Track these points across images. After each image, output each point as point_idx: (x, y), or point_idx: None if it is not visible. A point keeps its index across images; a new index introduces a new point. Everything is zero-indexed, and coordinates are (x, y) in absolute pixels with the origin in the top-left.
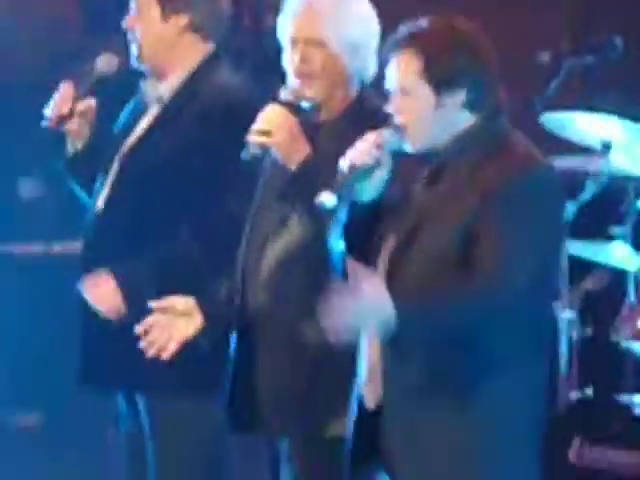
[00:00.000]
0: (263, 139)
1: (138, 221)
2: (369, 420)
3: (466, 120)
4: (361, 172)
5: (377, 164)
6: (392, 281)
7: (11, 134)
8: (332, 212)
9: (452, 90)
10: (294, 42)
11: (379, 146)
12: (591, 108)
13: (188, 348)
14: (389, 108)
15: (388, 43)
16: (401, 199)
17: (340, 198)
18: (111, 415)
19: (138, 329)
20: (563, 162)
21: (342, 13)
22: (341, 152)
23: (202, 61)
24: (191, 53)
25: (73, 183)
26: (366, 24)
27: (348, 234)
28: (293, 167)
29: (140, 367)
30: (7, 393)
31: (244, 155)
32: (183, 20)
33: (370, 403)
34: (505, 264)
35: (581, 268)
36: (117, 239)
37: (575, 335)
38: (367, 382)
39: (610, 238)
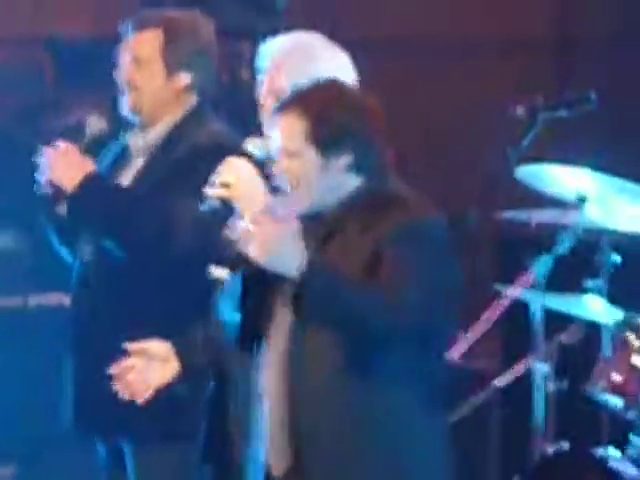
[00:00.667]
0: (222, 191)
1: (124, 271)
2: None
3: (352, 182)
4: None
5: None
6: (296, 352)
7: None
8: (224, 284)
9: (338, 152)
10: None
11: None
12: (565, 161)
13: (170, 396)
14: (274, 171)
15: (274, 108)
16: None
17: (233, 270)
18: (86, 468)
19: (112, 370)
20: (538, 215)
21: (310, 69)
22: None
23: (189, 111)
24: (180, 104)
25: (58, 236)
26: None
27: (243, 303)
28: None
29: (125, 415)
30: None
31: (203, 207)
32: (185, 79)
33: (278, 464)
34: (401, 280)
35: (556, 321)
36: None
37: (551, 388)
38: (271, 440)
39: (585, 291)
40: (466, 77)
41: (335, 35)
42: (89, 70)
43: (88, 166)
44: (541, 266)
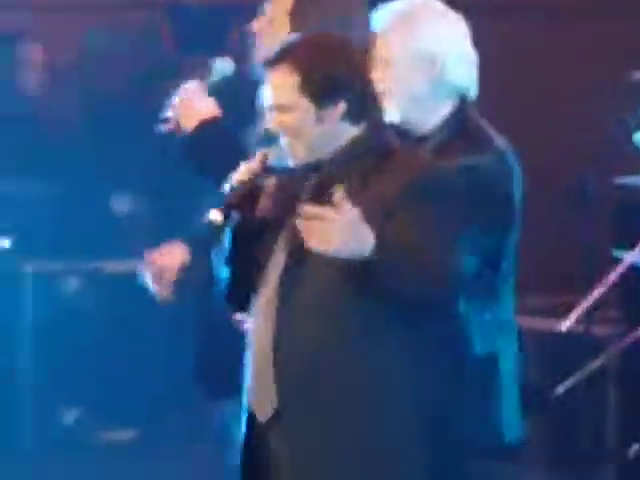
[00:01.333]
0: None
1: None
2: (260, 432)
3: (348, 132)
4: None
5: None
6: (284, 301)
7: (105, 150)
8: (219, 230)
9: (331, 102)
10: None
11: (263, 164)
12: None
13: None
14: (269, 126)
15: (263, 63)
16: (283, 216)
17: (226, 218)
18: (200, 431)
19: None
20: None
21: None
22: None
23: None
24: None
25: None
26: None
27: (233, 255)
28: None
29: None
30: (100, 409)
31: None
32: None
33: (262, 413)
34: (429, 243)
35: None
36: None
37: None
38: (256, 390)
39: None
40: (585, 40)
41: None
42: (206, 34)
43: (211, 109)
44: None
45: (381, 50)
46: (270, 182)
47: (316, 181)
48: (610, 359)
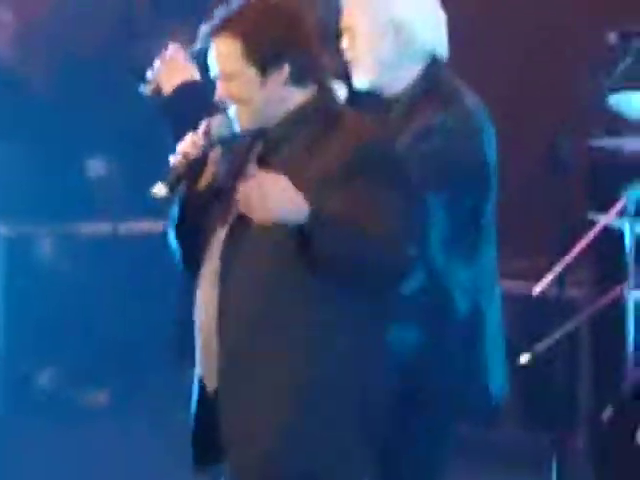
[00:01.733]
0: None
1: None
2: (211, 403)
3: (294, 96)
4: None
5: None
6: (227, 271)
7: (78, 113)
8: (165, 202)
9: (275, 66)
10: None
11: (207, 134)
12: None
13: None
14: (216, 95)
15: (204, 31)
16: (230, 186)
17: (172, 190)
18: (175, 393)
19: None
20: (631, 143)
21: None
22: None
23: None
24: None
25: None
26: None
27: (181, 226)
28: None
29: None
30: (75, 371)
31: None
32: None
33: (210, 383)
34: (384, 222)
35: None
36: None
37: None
38: (202, 359)
39: None
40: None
41: None
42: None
43: (190, 73)
44: (634, 193)
45: (347, 19)
46: (215, 152)
47: (261, 148)
48: (583, 322)
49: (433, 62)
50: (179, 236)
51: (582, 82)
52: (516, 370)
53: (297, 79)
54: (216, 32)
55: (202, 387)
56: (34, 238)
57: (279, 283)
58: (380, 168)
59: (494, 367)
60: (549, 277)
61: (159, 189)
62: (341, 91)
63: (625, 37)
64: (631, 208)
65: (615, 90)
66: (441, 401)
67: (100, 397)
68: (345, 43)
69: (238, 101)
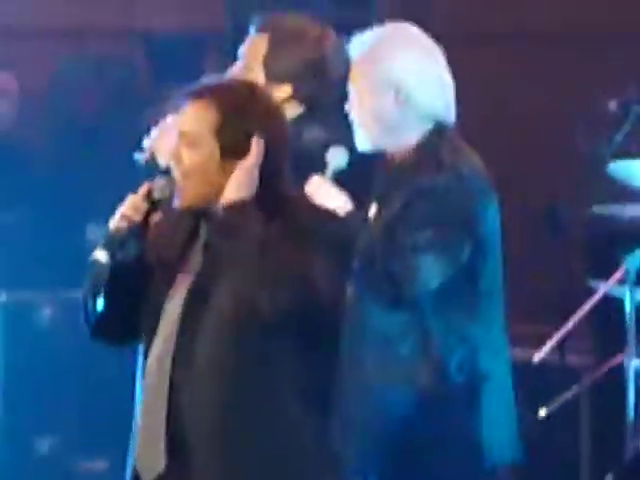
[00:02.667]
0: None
1: None
2: None
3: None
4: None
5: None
6: (180, 356)
7: (78, 179)
8: (104, 270)
9: (238, 155)
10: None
11: (147, 198)
12: None
13: None
14: (169, 154)
15: (186, 91)
16: (172, 258)
17: (112, 256)
18: None
19: None
20: (631, 210)
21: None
22: None
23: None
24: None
25: None
26: None
27: (112, 289)
28: None
29: None
30: (74, 438)
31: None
32: (287, 91)
33: (145, 475)
34: None
35: None
36: None
37: None
38: (144, 451)
39: None
40: (559, 68)
41: (430, 28)
42: (180, 63)
43: None
44: (634, 261)
45: (352, 74)
46: (155, 219)
47: (207, 232)
48: (584, 389)
49: (436, 127)
50: (106, 300)
51: (582, 149)
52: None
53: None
54: (198, 95)
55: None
56: (34, 305)
57: (243, 371)
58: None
59: (497, 432)
60: (549, 344)
61: (99, 256)
62: (340, 155)
63: (625, 104)
64: (631, 276)
65: (615, 157)
66: (433, 464)
67: (99, 464)
68: (350, 99)
69: (190, 171)
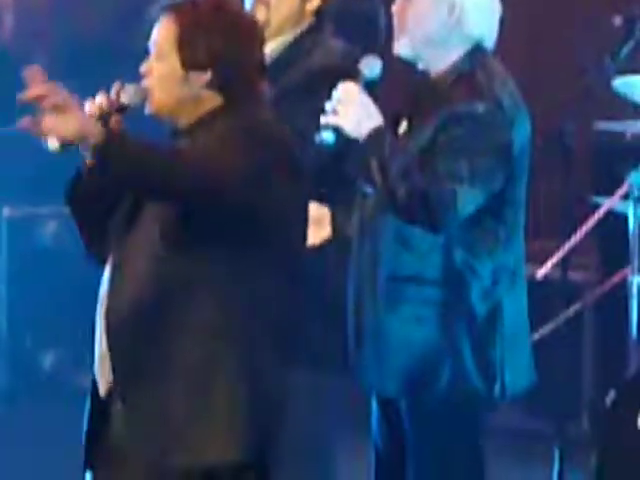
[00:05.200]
0: (333, 119)
1: None
2: (102, 408)
3: (212, 100)
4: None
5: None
6: (117, 265)
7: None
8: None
9: (200, 68)
10: None
11: (115, 100)
12: None
13: None
14: (142, 67)
15: (158, 6)
16: None
17: (62, 147)
18: None
19: None
20: (634, 126)
21: None
22: None
23: (307, 28)
24: (301, 19)
25: None
26: None
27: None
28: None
29: None
30: (78, 353)
31: (318, 139)
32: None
33: (101, 389)
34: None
35: None
36: None
37: None
38: (98, 367)
39: None
40: None
41: None
42: None
43: None
44: (638, 177)
45: None
46: (115, 119)
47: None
48: (587, 305)
49: (477, 48)
50: (76, 215)
51: (587, 65)
52: None
53: (219, 87)
54: (165, 11)
55: (95, 389)
56: (37, 220)
57: (160, 274)
58: (251, 141)
59: (514, 360)
60: (553, 260)
61: (52, 142)
62: (374, 64)
63: (630, 20)
64: (635, 191)
65: (619, 73)
66: (449, 400)
67: None
68: (397, 6)
69: (156, 82)
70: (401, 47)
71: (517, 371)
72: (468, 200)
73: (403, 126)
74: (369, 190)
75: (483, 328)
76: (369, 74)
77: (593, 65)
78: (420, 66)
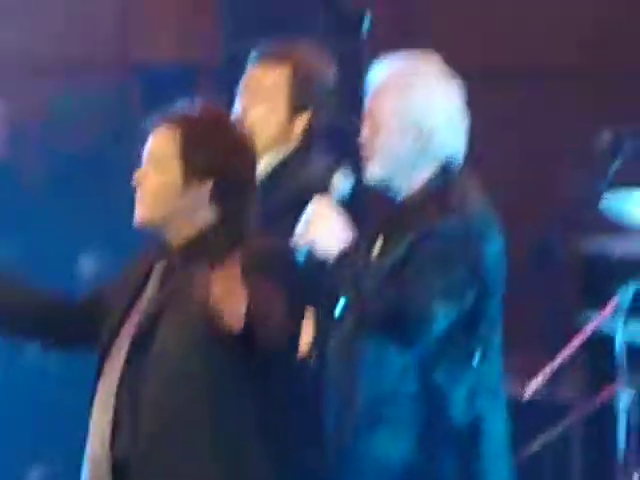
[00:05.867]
0: (305, 237)
1: None
2: None
3: (205, 215)
4: None
5: None
6: (126, 392)
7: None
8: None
9: (199, 180)
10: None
11: None
12: None
13: None
14: (136, 176)
15: (157, 118)
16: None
17: None
18: None
19: None
20: (622, 244)
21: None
22: None
23: (296, 148)
24: (291, 138)
25: None
26: None
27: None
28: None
29: None
30: (64, 468)
31: (298, 258)
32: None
33: None
34: None
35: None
36: None
37: (635, 418)
38: None
39: None
40: (550, 102)
41: None
42: (174, 95)
43: None
44: (626, 295)
45: (372, 109)
46: None
47: (164, 267)
48: (574, 423)
49: (446, 166)
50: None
51: (575, 182)
52: None
53: (218, 198)
54: (165, 122)
55: None
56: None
57: (186, 410)
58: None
59: (496, 474)
60: (539, 379)
61: None
62: (345, 182)
63: (618, 137)
64: (622, 309)
65: (607, 190)
66: None
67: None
68: (366, 130)
69: (153, 192)
70: (371, 174)
71: None
72: (441, 314)
73: (378, 246)
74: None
75: (465, 444)
76: (342, 188)
77: (582, 181)
78: (391, 193)
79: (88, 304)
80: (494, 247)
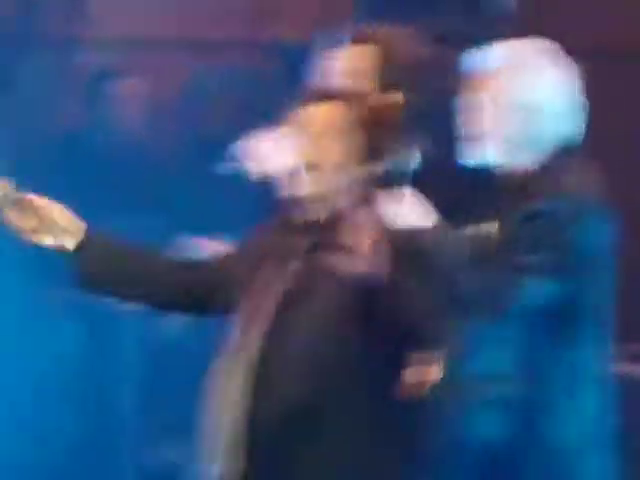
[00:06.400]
0: None
1: None
2: None
3: (349, 195)
4: None
5: None
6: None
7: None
8: None
9: (372, 158)
10: None
11: None
12: None
13: None
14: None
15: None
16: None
17: None
18: None
19: None
20: None
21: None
22: None
23: None
24: None
25: None
26: None
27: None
28: None
29: None
30: None
31: None
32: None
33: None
34: None
35: None
36: None
37: None
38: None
39: None
40: None
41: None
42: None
43: None
44: None
45: (485, 90)
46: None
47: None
48: None
49: (558, 149)
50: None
51: None
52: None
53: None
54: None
55: None
56: None
57: (337, 363)
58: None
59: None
60: None
61: None
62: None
63: None
64: None
65: None
66: None
67: None
68: (477, 112)
69: (319, 161)
70: (476, 157)
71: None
72: (533, 293)
73: (495, 226)
74: None
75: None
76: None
77: None
78: (497, 171)
79: (207, 271)
80: (594, 233)
